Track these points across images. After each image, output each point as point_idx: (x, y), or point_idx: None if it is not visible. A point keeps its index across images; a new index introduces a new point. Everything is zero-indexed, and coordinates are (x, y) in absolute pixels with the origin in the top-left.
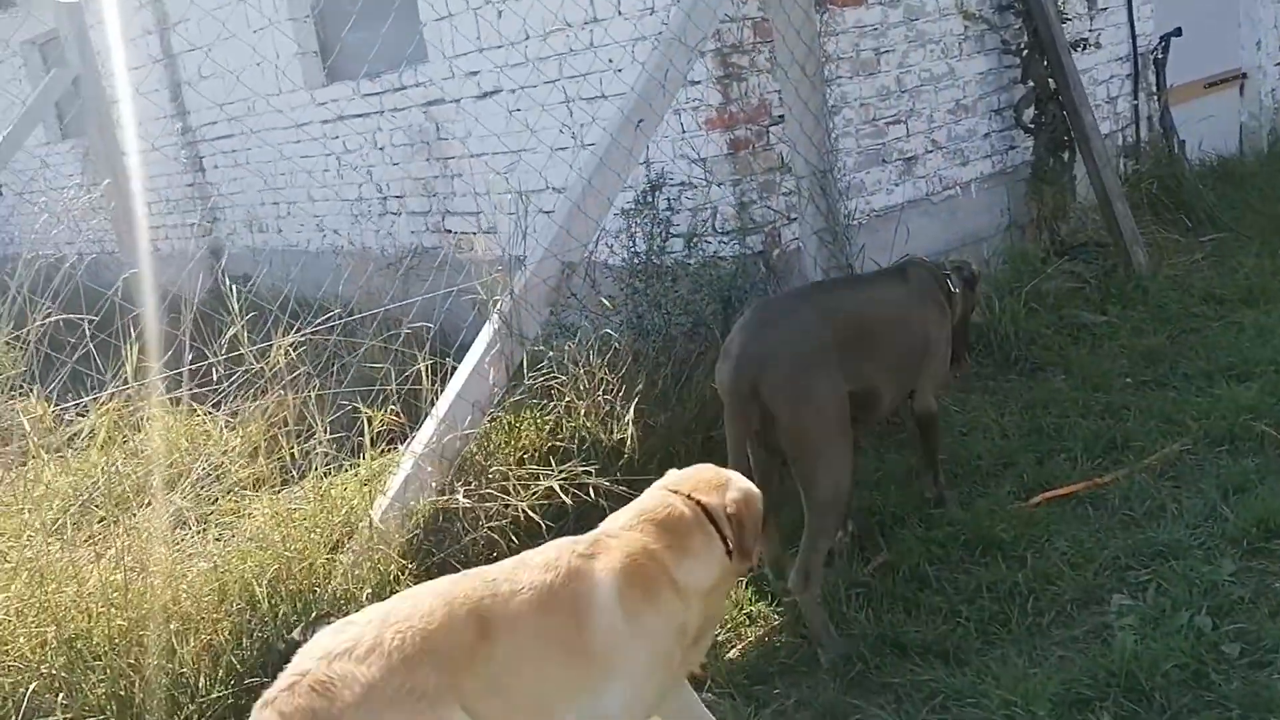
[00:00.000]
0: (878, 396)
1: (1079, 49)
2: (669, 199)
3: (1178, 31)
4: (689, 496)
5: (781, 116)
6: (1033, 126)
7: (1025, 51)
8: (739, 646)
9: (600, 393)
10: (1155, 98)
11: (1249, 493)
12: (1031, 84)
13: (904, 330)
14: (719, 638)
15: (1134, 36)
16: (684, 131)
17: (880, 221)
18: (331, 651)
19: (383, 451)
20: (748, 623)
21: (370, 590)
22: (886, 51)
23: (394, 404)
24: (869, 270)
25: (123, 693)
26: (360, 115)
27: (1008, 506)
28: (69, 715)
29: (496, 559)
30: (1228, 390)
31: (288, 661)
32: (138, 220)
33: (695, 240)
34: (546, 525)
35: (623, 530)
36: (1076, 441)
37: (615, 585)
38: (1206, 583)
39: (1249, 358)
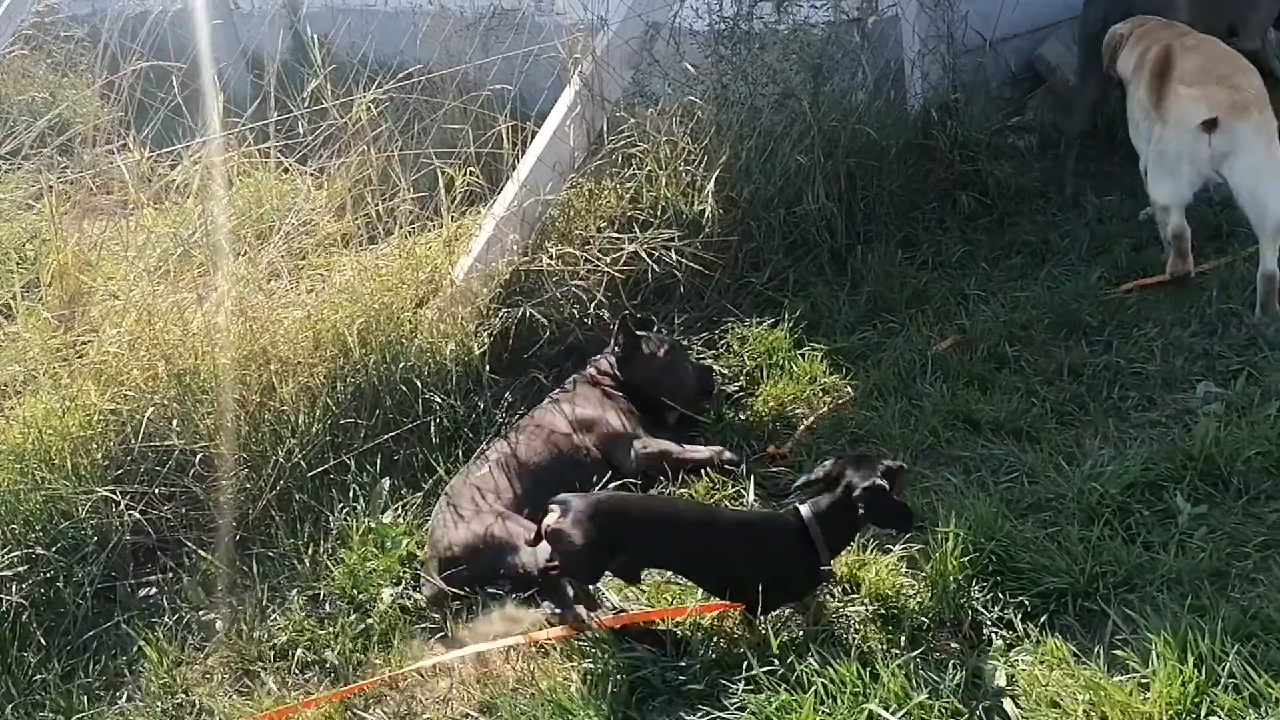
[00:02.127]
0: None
1: None
2: None
3: None
4: None
5: None
6: None
7: None
8: (811, 418)
9: (681, 163)
10: None
11: None
12: None
13: None
14: (795, 412)
15: None
16: None
17: None
18: None
19: (464, 212)
20: (821, 394)
21: (454, 346)
22: None
23: (474, 166)
24: None
25: (229, 425)
26: None
27: (1098, 292)
28: (182, 441)
29: (579, 315)
30: None
31: None
32: None
33: (786, 4)
34: (628, 291)
35: None
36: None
37: None
38: None
39: None
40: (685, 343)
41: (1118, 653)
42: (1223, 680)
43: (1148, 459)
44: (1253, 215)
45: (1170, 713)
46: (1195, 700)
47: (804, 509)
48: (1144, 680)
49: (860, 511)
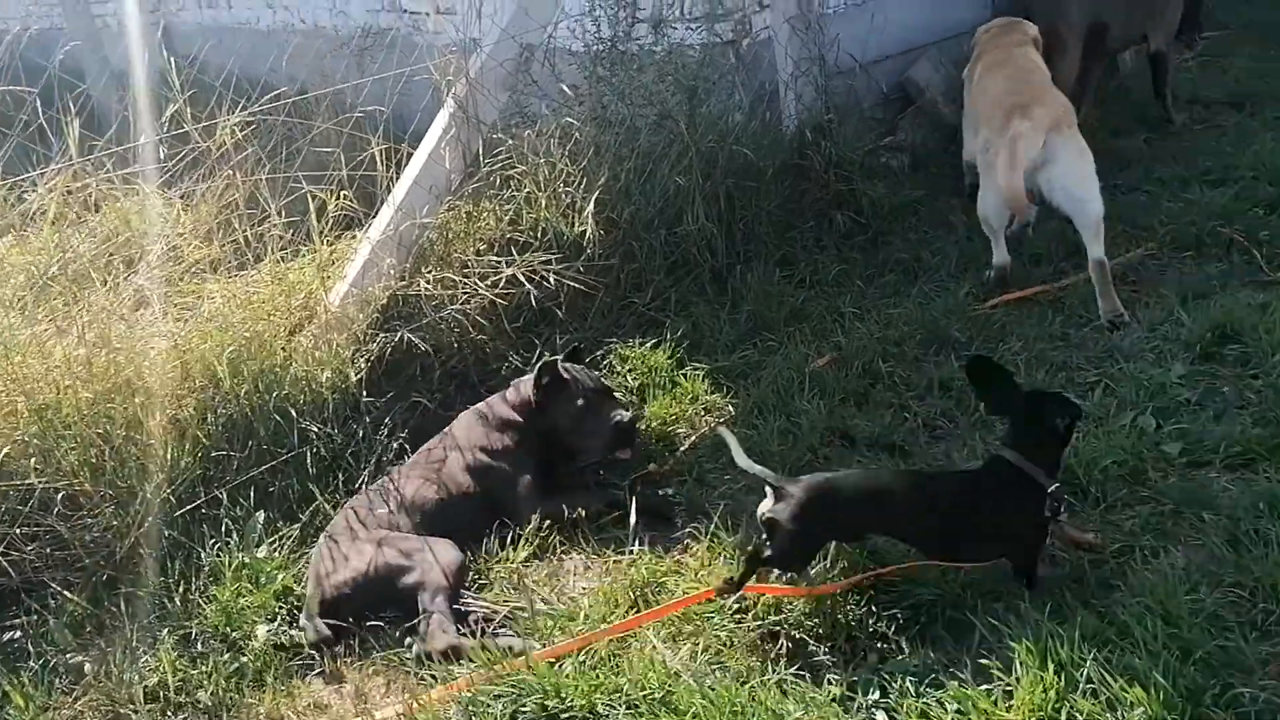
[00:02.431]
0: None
1: None
2: None
3: None
4: None
5: None
6: None
7: None
8: (693, 436)
9: (561, 184)
10: None
11: (1209, 299)
12: None
13: None
14: (676, 431)
15: None
16: None
17: (857, 10)
18: None
19: (338, 237)
20: (703, 413)
21: (329, 373)
22: None
23: (348, 190)
24: None
25: (94, 460)
26: None
27: (966, 307)
28: (44, 479)
29: (461, 341)
30: (1200, 195)
31: None
32: None
33: (662, 27)
34: (509, 315)
35: None
36: (1041, 245)
37: None
38: (1155, 385)
39: (1228, 162)
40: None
41: (984, 661)
42: (1081, 686)
43: None
44: (1075, 215)
45: (1032, 719)
46: (1056, 706)
47: (1005, 452)
48: (1008, 688)
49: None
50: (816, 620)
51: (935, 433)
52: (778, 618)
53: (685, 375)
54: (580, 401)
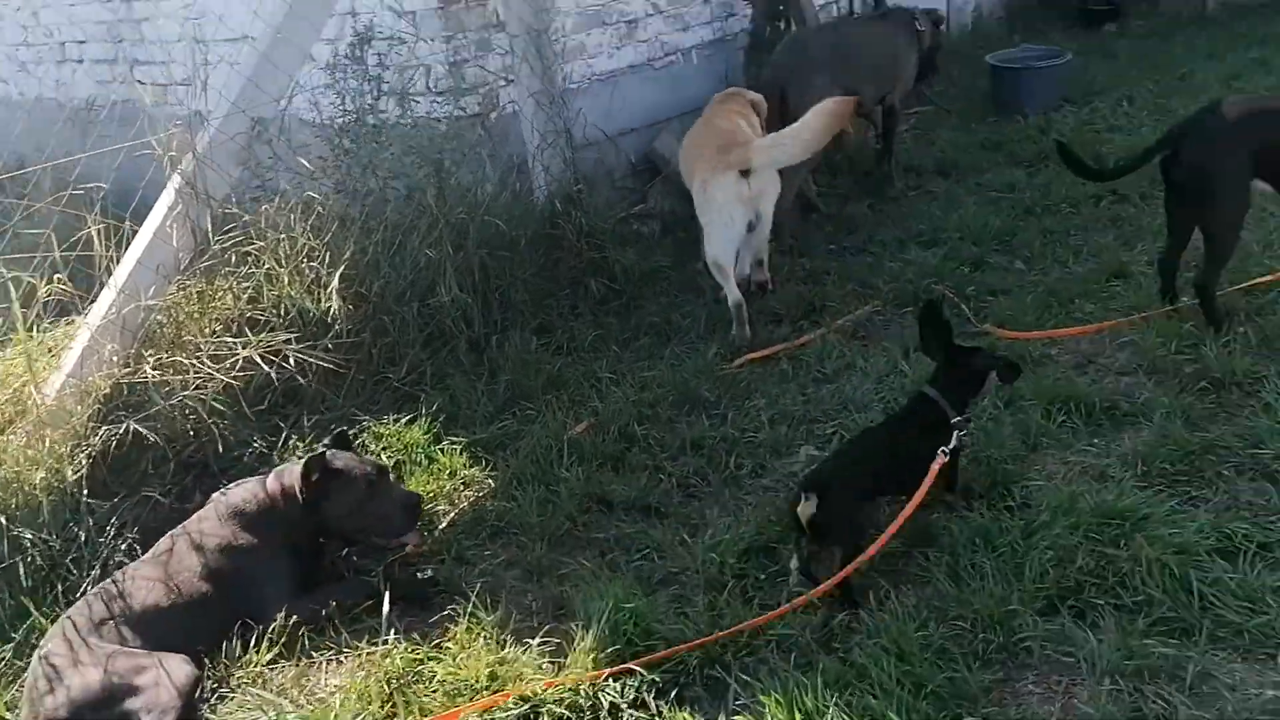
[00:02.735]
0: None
1: None
2: (379, 54)
3: None
4: None
5: None
6: None
7: None
8: (452, 513)
9: (304, 259)
10: None
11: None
12: None
13: (880, 51)
14: (435, 506)
15: None
16: None
17: (601, 86)
18: None
19: (53, 324)
20: (462, 487)
21: (44, 473)
22: None
23: (61, 273)
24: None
25: None
26: None
27: (714, 367)
28: None
29: (197, 429)
30: (916, 255)
31: None
32: None
33: (407, 99)
34: (251, 398)
35: None
36: (781, 305)
37: None
38: None
39: (938, 225)
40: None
41: (738, 718)
42: None
43: (760, 524)
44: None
45: None
46: None
47: (927, 389)
48: None
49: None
50: (573, 696)
51: (689, 491)
52: (538, 700)
53: (443, 450)
54: (362, 487)
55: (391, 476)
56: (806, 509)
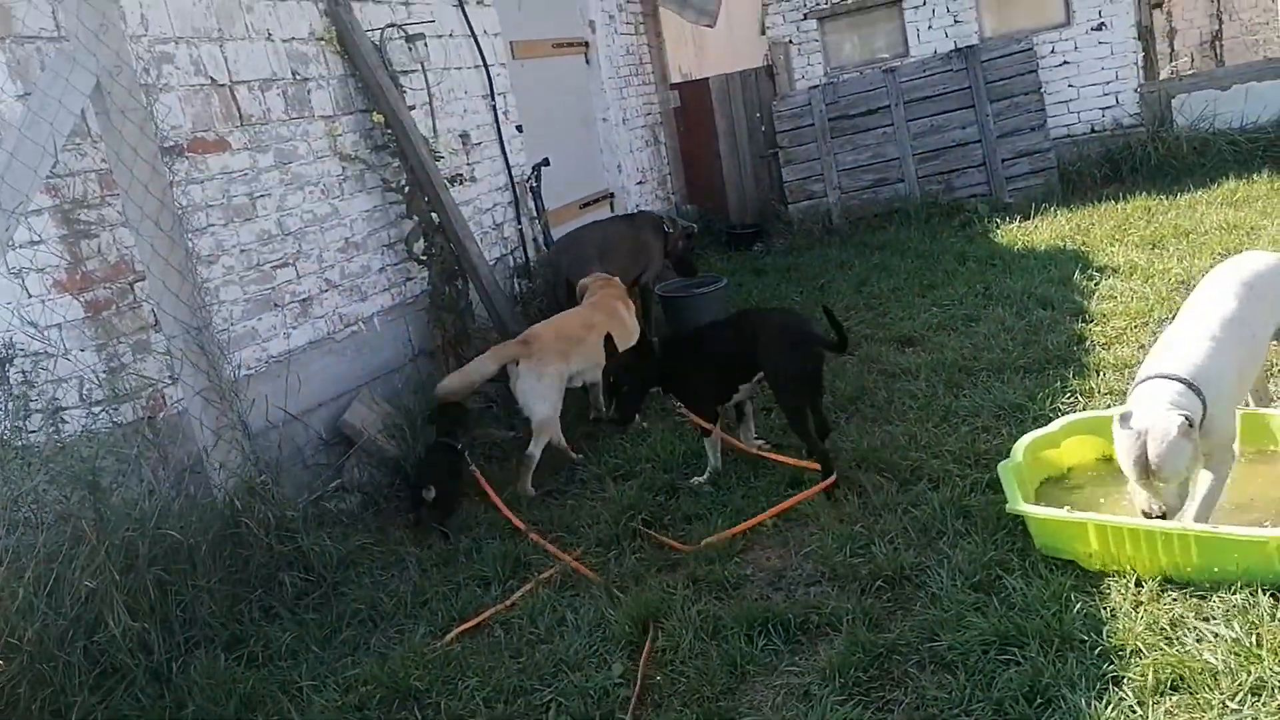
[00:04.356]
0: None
1: (456, 184)
2: (24, 372)
3: (545, 161)
4: None
5: None
6: (424, 259)
7: (406, 189)
8: None
9: None
10: (537, 220)
11: (628, 591)
12: (416, 219)
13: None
14: None
15: (509, 168)
16: (30, 296)
17: (280, 367)
18: None
19: None
20: None
21: None
22: (262, 195)
23: None
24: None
25: None
26: None
27: (425, 649)
28: None
29: None
30: (615, 491)
31: None
32: None
33: (57, 416)
34: None
35: None
36: (488, 564)
37: None
38: (599, 691)
39: (631, 456)
40: None
41: None
42: None
43: None
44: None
45: None
46: None
47: None
48: None
49: None
50: None
51: None
52: None
53: None
54: None
55: None
56: None
